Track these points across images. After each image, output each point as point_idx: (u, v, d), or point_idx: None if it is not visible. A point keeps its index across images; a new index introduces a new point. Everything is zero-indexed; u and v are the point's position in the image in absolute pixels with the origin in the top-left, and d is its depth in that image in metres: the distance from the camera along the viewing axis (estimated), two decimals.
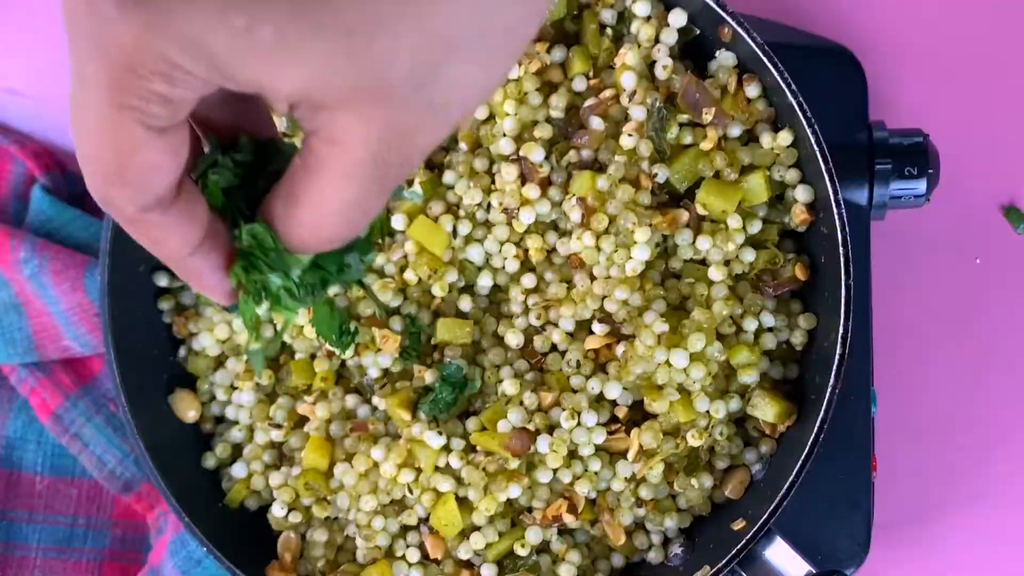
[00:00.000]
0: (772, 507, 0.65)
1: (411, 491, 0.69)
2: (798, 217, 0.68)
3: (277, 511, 0.72)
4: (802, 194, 0.67)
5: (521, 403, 0.68)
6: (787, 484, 0.64)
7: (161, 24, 0.31)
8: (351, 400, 0.72)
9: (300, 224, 0.37)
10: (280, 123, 0.72)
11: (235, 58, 0.31)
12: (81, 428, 0.78)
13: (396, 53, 0.32)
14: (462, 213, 0.70)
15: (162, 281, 0.74)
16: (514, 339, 0.70)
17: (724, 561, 0.66)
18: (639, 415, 0.69)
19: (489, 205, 0.70)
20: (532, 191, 0.68)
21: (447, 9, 0.32)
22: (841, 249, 0.64)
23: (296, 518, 0.72)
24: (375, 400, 0.71)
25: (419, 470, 0.69)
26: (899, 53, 0.81)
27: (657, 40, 0.69)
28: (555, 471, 0.68)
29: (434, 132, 0.35)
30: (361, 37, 0.31)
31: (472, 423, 0.69)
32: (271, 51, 0.31)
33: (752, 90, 0.68)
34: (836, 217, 0.64)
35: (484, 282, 0.70)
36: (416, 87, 0.33)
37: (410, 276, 0.70)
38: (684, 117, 0.68)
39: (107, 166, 0.34)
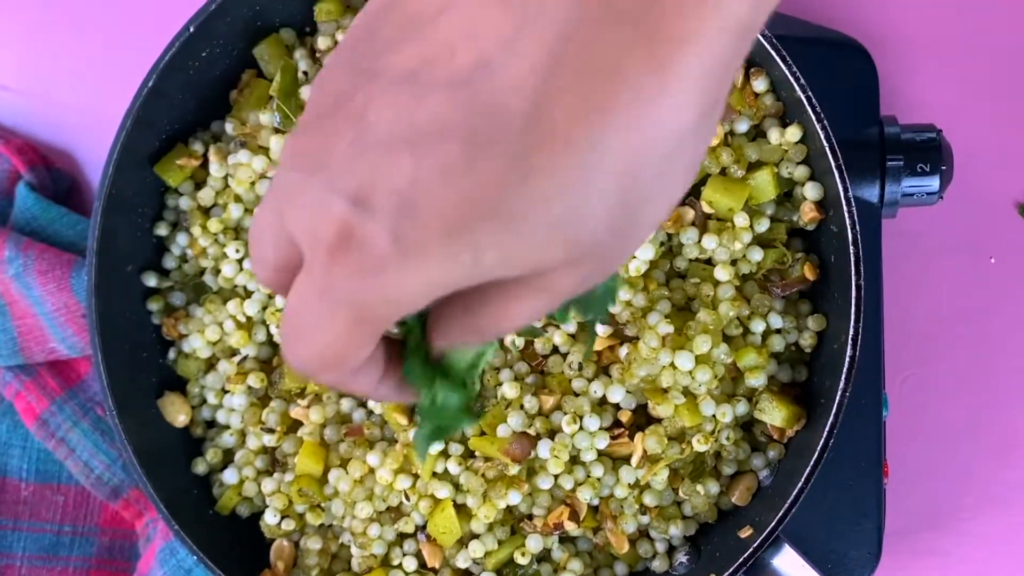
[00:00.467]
0: (780, 514, 0.65)
1: (408, 498, 0.70)
2: (807, 215, 0.68)
3: (270, 518, 0.72)
4: (811, 191, 0.68)
5: (521, 407, 0.68)
6: (796, 490, 0.65)
7: (407, 285, 0.34)
8: (346, 404, 0.72)
9: (477, 330, 0.39)
10: (271, 119, 0.72)
11: (466, 282, 0.34)
12: (68, 433, 0.78)
13: (599, 223, 0.34)
14: None
15: (151, 281, 0.74)
16: (514, 341, 0.70)
17: (731, 570, 0.66)
18: (643, 419, 0.69)
19: None
20: None
21: (637, 169, 0.34)
22: (851, 248, 0.64)
23: (289, 525, 0.72)
24: (371, 403, 0.71)
25: (416, 476, 0.69)
26: (911, 46, 0.81)
27: None
28: (556, 477, 0.68)
29: (628, 255, 0.38)
30: (570, 226, 0.34)
31: (471, 427, 0.69)
32: (495, 267, 0.34)
33: (759, 84, 0.68)
34: (846, 215, 0.64)
35: None
36: (616, 235, 0.35)
37: None
38: None
39: (323, 364, 0.37)
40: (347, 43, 0.36)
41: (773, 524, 0.65)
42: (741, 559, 0.66)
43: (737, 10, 0.33)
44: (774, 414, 0.67)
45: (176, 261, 0.75)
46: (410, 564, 0.70)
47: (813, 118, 0.65)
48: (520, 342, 0.70)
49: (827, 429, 0.64)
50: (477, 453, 0.69)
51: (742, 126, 0.68)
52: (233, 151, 0.73)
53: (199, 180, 0.75)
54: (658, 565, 0.71)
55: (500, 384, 0.69)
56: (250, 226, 0.37)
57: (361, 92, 0.34)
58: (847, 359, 0.64)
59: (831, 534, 0.71)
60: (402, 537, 0.71)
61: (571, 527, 0.68)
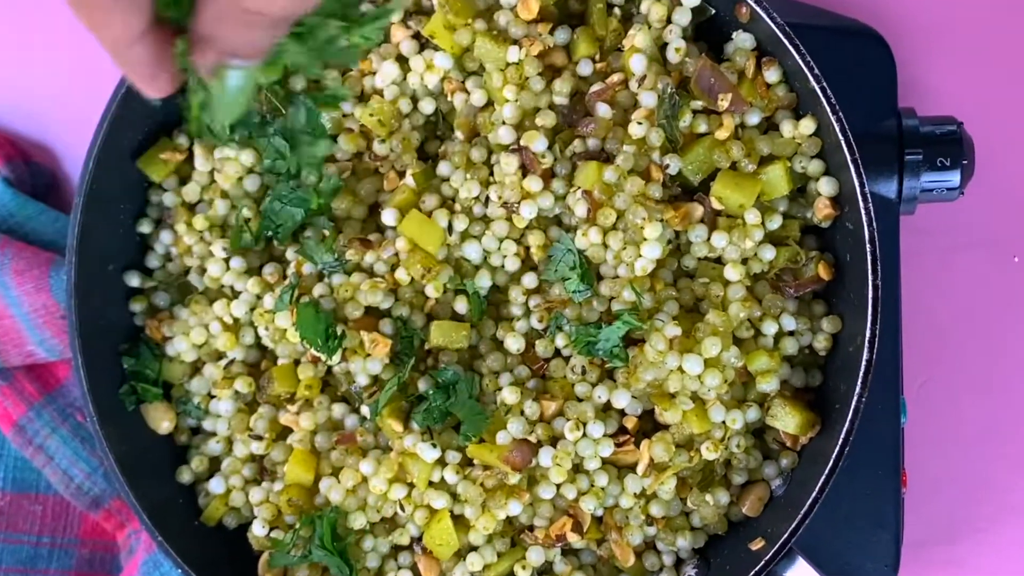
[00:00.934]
0: (793, 525, 0.65)
1: (403, 508, 0.69)
2: (821, 212, 0.68)
3: (258, 529, 0.72)
4: (826, 187, 0.67)
5: (522, 413, 0.68)
6: (809, 500, 0.64)
7: None
8: (338, 409, 0.72)
9: (244, 18, 0.39)
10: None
11: None
12: (46, 440, 0.78)
13: None
14: (458, 207, 0.70)
15: (134, 281, 0.74)
16: (514, 344, 0.70)
17: None
18: (649, 426, 0.69)
19: (487, 199, 0.70)
20: (534, 183, 0.68)
21: None
22: (868, 246, 0.64)
23: (278, 537, 0.72)
24: (363, 409, 0.71)
25: (411, 485, 0.69)
26: (931, 34, 0.81)
27: (669, 20, 0.69)
28: (558, 486, 0.68)
29: None
30: None
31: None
32: None
33: (772, 74, 0.68)
34: (862, 211, 0.64)
35: (482, 282, 0.70)
36: None
37: (402, 275, 0.70)
38: (698, 104, 0.68)
39: None
40: None
41: (786, 536, 0.65)
42: (752, 572, 0.66)
43: None
44: (787, 420, 0.67)
45: (160, 260, 0.75)
46: None
47: (828, 110, 0.65)
48: (521, 345, 0.69)
49: (842, 436, 0.64)
50: (475, 461, 0.69)
51: (753, 118, 0.68)
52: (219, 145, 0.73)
53: (184, 175, 0.74)
54: None
55: (499, 389, 0.69)
56: None
57: None
58: (863, 362, 0.64)
59: (847, 546, 0.71)
60: (397, 549, 0.71)
61: (574, 539, 0.68)
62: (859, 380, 0.64)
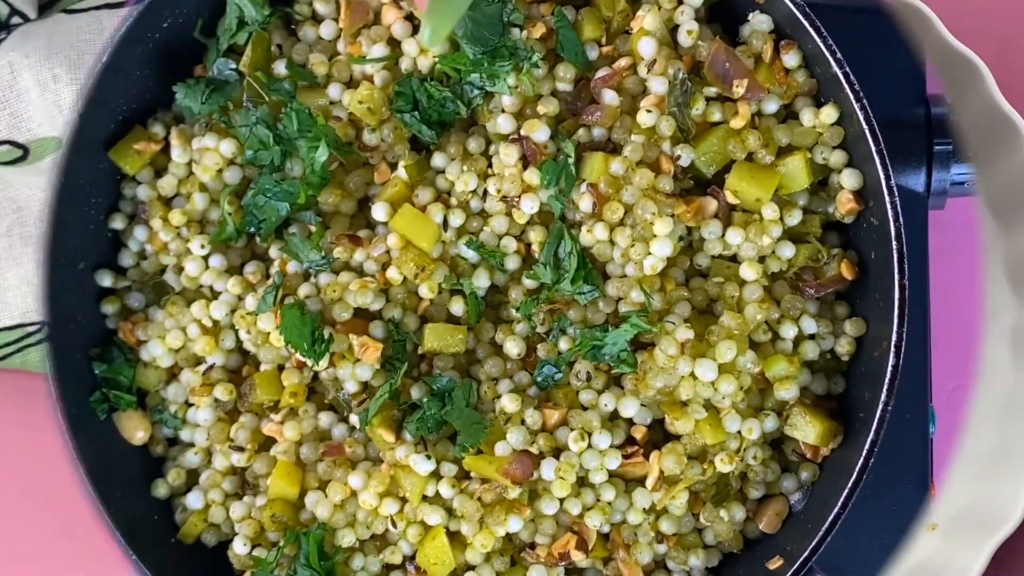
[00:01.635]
0: (814, 543, 0.65)
1: (395, 524, 0.69)
2: (844, 206, 0.68)
3: (239, 547, 0.72)
4: (849, 179, 0.67)
5: (522, 422, 0.68)
6: (831, 516, 0.64)
7: None
8: (325, 418, 0.71)
9: None
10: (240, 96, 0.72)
11: None
12: None
13: None
14: (454, 201, 0.70)
15: (106, 280, 0.74)
16: (514, 348, 0.69)
17: None
18: (659, 436, 0.69)
19: (485, 192, 0.70)
20: (535, 176, 0.68)
21: None
22: (894, 243, 0.64)
23: (261, 555, 0.72)
24: (352, 419, 0.71)
25: (404, 500, 0.69)
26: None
27: (680, 1, 0.69)
28: (562, 501, 0.68)
29: None
30: None
31: None
32: None
33: (790, 59, 0.68)
34: (888, 206, 0.64)
35: (480, 282, 0.70)
36: None
37: (393, 275, 0.69)
38: (712, 90, 0.68)
39: None
40: None
41: (806, 554, 0.65)
42: None
43: None
44: (807, 430, 0.67)
45: (134, 258, 0.75)
46: None
47: (851, 97, 0.65)
48: (522, 349, 0.69)
49: (867, 447, 0.64)
50: (473, 474, 0.69)
51: (771, 106, 0.68)
52: (198, 134, 0.73)
53: (159, 167, 0.74)
54: None
55: (498, 396, 0.69)
56: None
57: None
58: (889, 368, 0.64)
59: (872, 565, 0.71)
60: (388, 569, 0.71)
61: (578, 557, 0.68)
62: (885, 387, 0.64)
